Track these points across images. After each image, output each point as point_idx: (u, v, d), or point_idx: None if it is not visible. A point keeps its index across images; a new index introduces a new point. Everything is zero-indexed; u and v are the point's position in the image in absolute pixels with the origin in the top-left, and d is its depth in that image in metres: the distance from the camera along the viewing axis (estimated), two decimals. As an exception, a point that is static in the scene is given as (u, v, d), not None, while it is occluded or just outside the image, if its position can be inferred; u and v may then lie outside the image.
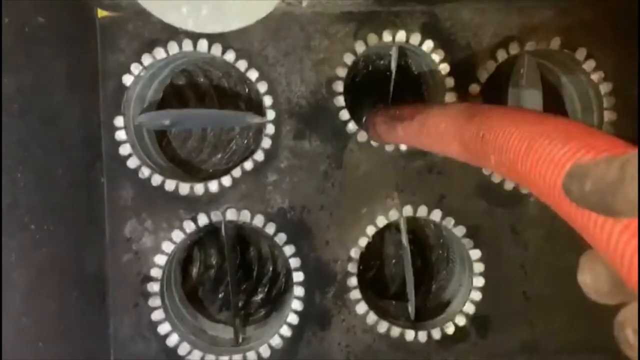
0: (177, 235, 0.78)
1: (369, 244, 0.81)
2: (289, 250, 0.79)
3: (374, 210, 0.80)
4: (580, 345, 0.83)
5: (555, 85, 0.87)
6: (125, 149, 0.77)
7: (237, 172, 0.78)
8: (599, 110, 0.80)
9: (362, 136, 0.79)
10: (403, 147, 0.79)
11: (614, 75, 0.78)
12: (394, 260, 0.90)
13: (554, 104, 0.85)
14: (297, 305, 0.79)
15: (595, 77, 0.79)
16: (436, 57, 0.77)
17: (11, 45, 0.58)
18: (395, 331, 0.80)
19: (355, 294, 0.80)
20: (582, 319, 0.81)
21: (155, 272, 0.78)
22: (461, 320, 0.81)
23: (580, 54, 0.78)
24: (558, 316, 0.82)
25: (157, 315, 0.78)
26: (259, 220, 0.79)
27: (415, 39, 0.77)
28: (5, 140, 0.56)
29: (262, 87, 0.77)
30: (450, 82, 0.78)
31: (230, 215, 0.79)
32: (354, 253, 0.80)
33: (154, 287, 0.78)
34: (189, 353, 0.78)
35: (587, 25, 0.78)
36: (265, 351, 0.79)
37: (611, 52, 0.78)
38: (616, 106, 0.79)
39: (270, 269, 0.90)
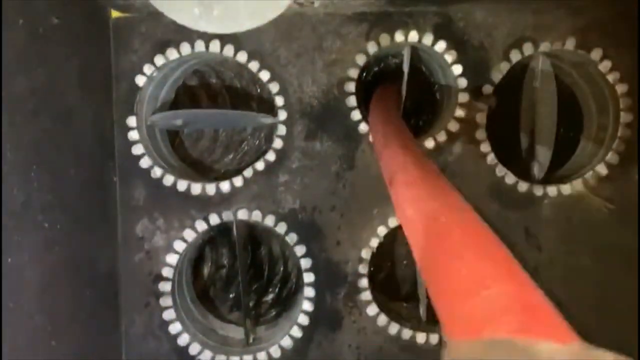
0: (189, 235, 0.79)
1: (380, 245, 0.80)
2: (299, 250, 0.79)
3: (386, 211, 0.79)
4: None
5: (570, 86, 0.86)
6: (137, 149, 0.78)
7: (248, 173, 0.78)
8: (615, 111, 0.79)
9: (374, 137, 0.78)
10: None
11: (630, 76, 0.77)
12: (405, 262, 0.90)
13: (568, 106, 0.84)
14: (307, 306, 0.79)
15: (611, 77, 0.78)
16: (449, 57, 0.77)
17: (25, 46, 0.59)
18: (407, 333, 0.79)
19: (366, 296, 0.80)
20: (597, 322, 0.80)
21: (167, 272, 0.78)
22: (473, 323, 0.80)
23: (596, 54, 0.77)
24: (572, 319, 0.81)
25: (168, 314, 0.79)
26: (270, 221, 0.79)
27: (428, 39, 0.76)
28: (19, 140, 0.57)
29: (274, 87, 0.77)
30: (462, 83, 0.77)
31: (242, 215, 0.79)
32: (365, 254, 0.80)
33: (166, 286, 0.78)
34: (200, 353, 0.79)
35: (603, 26, 0.77)
36: (275, 352, 0.79)
37: (627, 53, 0.77)
38: (632, 107, 0.78)
39: (281, 269, 0.90)
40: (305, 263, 0.79)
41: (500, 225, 0.80)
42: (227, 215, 0.79)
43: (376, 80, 0.87)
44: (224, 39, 0.76)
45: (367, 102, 0.80)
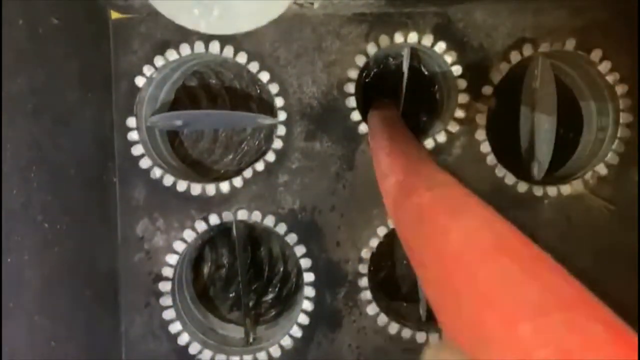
0: (189, 235, 0.79)
1: (380, 244, 0.80)
2: (299, 250, 0.79)
3: (386, 211, 0.79)
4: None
5: (570, 87, 0.86)
6: (137, 150, 0.78)
7: (248, 173, 0.78)
8: (615, 112, 0.79)
9: (374, 137, 0.78)
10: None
11: (629, 77, 0.77)
12: (405, 261, 0.90)
13: (568, 106, 0.84)
14: (307, 305, 0.79)
15: (610, 78, 0.78)
16: (448, 58, 0.77)
17: (25, 46, 0.59)
18: (407, 333, 0.80)
19: (366, 295, 0.80)
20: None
21: (167, 272, 0.79)
22: (472, 323, 0.80)
23: (596, 55, 0.77)
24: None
25: (168, 314, 0.79)
26: (269, 221, 0.79)
27: (428, 40, 0.76)
28: (19, 140, 0.57)
29: (274, 88, 0.77)
30: (462, 83, 0.77)
31: (242, 215, 0.79)
32: (365, 254, 0.80)
33: (166, 286, 0.79)
34: (200, 352, 0.79)
35: (602, 26, 0.77)
36: (275, 351, 0.79)
37: (627, 54, 0.77)
38: (632, 108, 0.78)
39: (281, 269, 0.90)
40: (305, 263, 0.79)
41: None
42: (227, 216, 0.79)
43: (376, 81, 0.87)
44: (224, 39, 0.76)
45: (367, 102, 0.81)
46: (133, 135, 0.78)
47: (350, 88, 0.78)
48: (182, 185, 0.78)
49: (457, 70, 0.77)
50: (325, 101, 0.78)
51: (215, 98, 0.86)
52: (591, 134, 0.84)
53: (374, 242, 0.80)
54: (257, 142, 0.87)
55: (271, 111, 0.82)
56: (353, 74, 0.77)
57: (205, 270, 0.90)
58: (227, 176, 0.80)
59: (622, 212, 0.79)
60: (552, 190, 0.79)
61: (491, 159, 0.79)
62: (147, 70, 0.76)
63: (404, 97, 0.78)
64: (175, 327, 0.79)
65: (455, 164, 0.79)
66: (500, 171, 0.79)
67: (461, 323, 0.30)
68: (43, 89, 0.62)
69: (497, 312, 0.27)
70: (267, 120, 0.78)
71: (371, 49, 0.77)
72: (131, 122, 0.77)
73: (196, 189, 0.78)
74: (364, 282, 0.80)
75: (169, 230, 0.79)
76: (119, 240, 0.79)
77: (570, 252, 0.80)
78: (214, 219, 0.79)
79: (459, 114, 0.78)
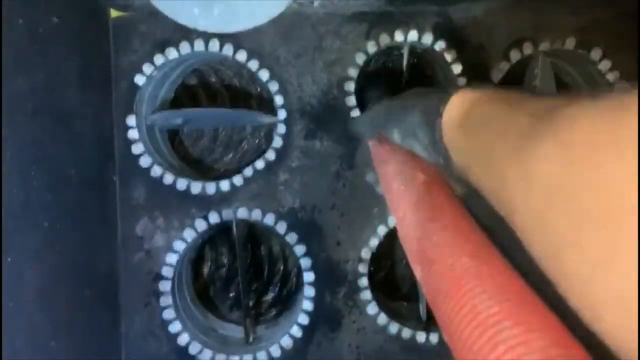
0: (189, 234, 0.79)
1: (380, 244, 0.80)
2: (299, 250, 0.79)
3: (385, 210, 0.79)
4: (600, 350, 0.82)
5: (570, 86, 0.86)
6: (137, 148, 0.78)
7: (248, 172, 0.78)
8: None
9: (374, 136, 0.78)
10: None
11: (630, 76, 0.77)
12: (405, 261, 0.90)
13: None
14: (307, 305, 0.79)
15: (610, 77, 0.78)
16: (448, 57, 0.77)
17: (25, 46, 0.59)
18: (407, 332, 0.79)
19: (366, 295, 0.80)
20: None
21: (167, 271, 0.78)
22: (473, 322, 0.80)
23: (596, 54, 0.77)
24: (575, 319, 0.81)
25: (168, 314, 0.79)
26: (270, 220, 0.79)
27: (428, 39, 0.76)
28: (19, 140, 0.57)
29: (274, 86, 0.77)
30: (462, 82, 0.77)
31: (242, 214, 0.79)
32: (365, 254, 0.80)
33: (165, 285, 0.78)
34: (200, 352, 0.79)
35: (602, 25, 0.77)
36: (275, 351, 0.79)
37: (627, 52, 0.77)
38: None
39: (281, 268, 0.90)
40: (305, 262, 0.79)
41: (502, 226, 0.80)
42: (227, 214, 0.79)
43: (375, 79, 0.87)
44: (224, 38, 0.75)
45: (367, 101, 0.80)
46: (133, 134, 0.77)
47: (351, 87, 0.78)
48: (182, 184, 0.78)
49: (457, 68, 0.77)
50: (325, 100, 0.78)
51: (215, 96, 0.86)
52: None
53: (374, 242, 0.80)
54: (257, 141, 0.87)
55: (271, 109, 0.81)
56: (353, 72, 0.77)
57: (205, 269, 0.89)
58: (227, 175, 0.80)
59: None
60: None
61: (491, 158, 0.79)
62: (147, 68, 0.76)
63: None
64: (175, 326, 0.79)
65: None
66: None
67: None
68: (43, 89, 0.62)
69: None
70: (267, 119, 0.78)
71: (371, 47, 0.77)
72: (131, 120, 0.77)
73: (196, 187, 0.78)
74: (364, 282, 0.80)
75: (169, 230, 0.79)
76: (119, 240, 0.79)
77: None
78: (214, 218, 0.79)
79: (459, 112, 0.78)
